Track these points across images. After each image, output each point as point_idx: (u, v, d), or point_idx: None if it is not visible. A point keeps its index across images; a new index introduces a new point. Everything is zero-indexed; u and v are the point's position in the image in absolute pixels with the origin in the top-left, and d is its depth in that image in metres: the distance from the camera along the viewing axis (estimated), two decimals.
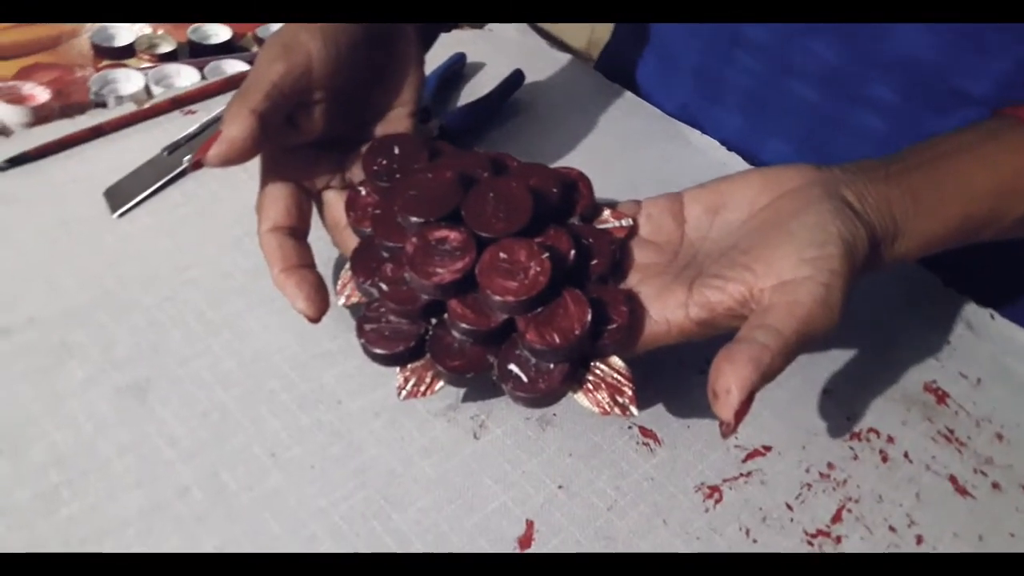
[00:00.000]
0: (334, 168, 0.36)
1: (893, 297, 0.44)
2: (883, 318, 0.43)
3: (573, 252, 0.31)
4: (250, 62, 0.56)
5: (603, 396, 0.30)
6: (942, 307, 0.44)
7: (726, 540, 0.33)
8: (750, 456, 0.36)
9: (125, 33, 0.57)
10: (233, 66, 0.55)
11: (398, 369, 0.31)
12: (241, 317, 0.38)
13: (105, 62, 0.56)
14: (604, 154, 0.51)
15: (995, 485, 0.36)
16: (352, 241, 0.34)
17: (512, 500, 0.33)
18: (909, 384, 0.40)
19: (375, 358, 0.31)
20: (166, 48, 0.57)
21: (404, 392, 0.31)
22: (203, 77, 0.54)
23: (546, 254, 0.29)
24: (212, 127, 0.47)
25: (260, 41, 0.61)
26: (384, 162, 0.35)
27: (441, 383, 0.31)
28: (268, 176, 0.34)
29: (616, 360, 0.30)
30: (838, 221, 0.30)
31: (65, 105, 0.49)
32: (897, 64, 0.43)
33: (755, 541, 0.33)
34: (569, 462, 0.34)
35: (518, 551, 0.31)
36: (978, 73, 0.41)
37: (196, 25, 0.59)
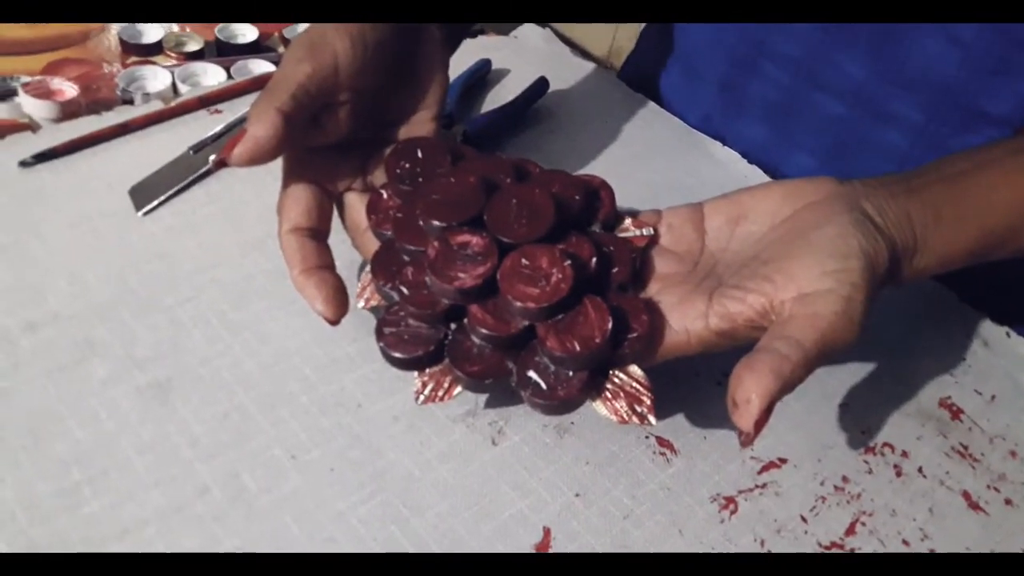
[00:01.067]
0: (355, 170, 0.35)
1: (910, 312, 0.43)
2: (900, 333, 0.42)
3: (595, 260, 0.30)
4: (276, 62, 0.55)
5: (621, 405, 0.29)
6: (958, 323, 0.43)
7: (741, 551, 0.31)
8: (765, 468, 0.35)
9: (153, 30, 0.56)
10: (260, 66, 0.53)
11: (416, 374, 0.30)
12: (262, 319, 0.37)
13: (133, 59, 0.55)
14: (625, 163, 0.49)
15: (1008, 501, 0.35)
16: (372, 244, 0.33)
17: (529, 507, 0.32)
18: (924, 399, 0.39)
19: (394, 362, 0.30)
20: (193, 46, 0.56)
21: (422, 397, 0.30)
22: (230, 76, 0.52)
23: (568, 261, 0.28)
24: (238, 127, 0.46)
25: (287, 41, 0.60)
26: (407, 165, 0.33)
27: (459, 388, 0.30)
28: (290, 177, 0.33)
29: (635, 369, 0.29)
30: (859, 234, 0.29)
31: (92, 101, 0.48)
32: (921, 83, 0.42)
33: (769, 552, 0.32)
34: (586, 470, 0.33)
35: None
36: (1000, 93, 0.40)
37: (223, 24, 0.58)
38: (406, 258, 0.31)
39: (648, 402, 0.28)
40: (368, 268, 0.32)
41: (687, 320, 0.29)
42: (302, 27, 0.61)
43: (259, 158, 0.30)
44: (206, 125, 0.46)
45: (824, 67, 0.45)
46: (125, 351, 0.34)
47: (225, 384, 0.34)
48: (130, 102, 0.48)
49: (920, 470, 0.36)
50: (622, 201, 0.34)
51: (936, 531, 0.33)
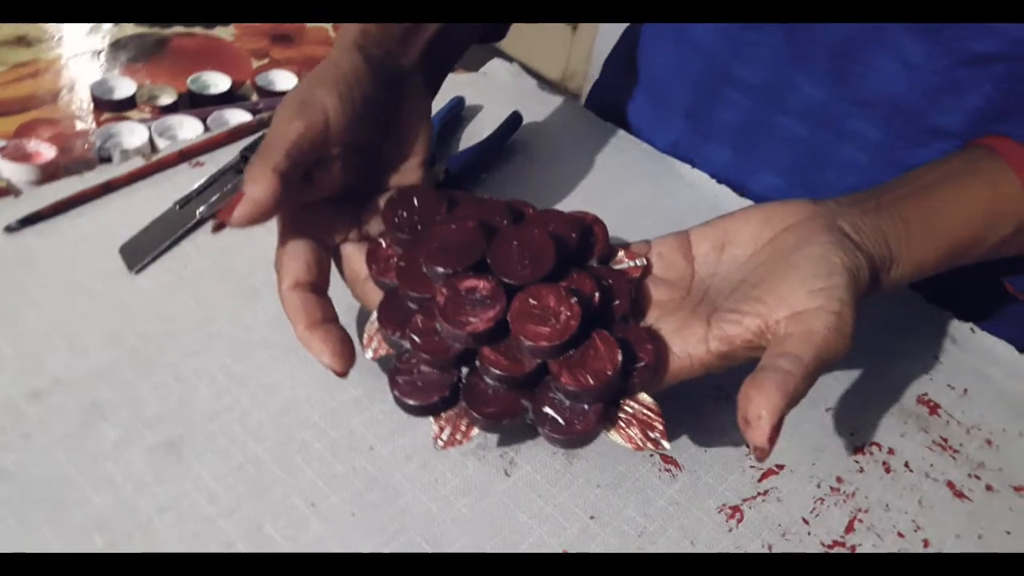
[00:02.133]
0: (350, 221, 0.35)
1: (883, 316, 0.45)
2: (875, 337, 0.43)
3: (597, 294, 0.31)
4: (251, 111, 0.55)
5: (635, 432, 0.30)
6: (928, 323, 0.45)
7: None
8: (765, 475, 0.36)
9: (124, 85, 0.56)
10: (235, 115, 0.53)
11: (432, 419, 0.31)
12: (266, 369, 0.37)
13: (106, 115, 0.54)
14: (601, 191, 0.51)
15: (989, 487, 0.37)
16: (373, 293, 0.34)
17: (548, 533, 0.32)
18: (904, 398, 0.41)
19: (409, 409, 0.31)
20: (167, 99, 0.56)
21: (441, 441, 0.30)
22: (206, 127, 0.52)
23: (574, 298, 0.29)
24: (220, 179, 0.46)
25: (260, 90, 0.60)
26: (404, 214, 0.34)
27: (476, 430, 0.30)
28: (286, 233, 0.33)
29: (645, 396, 0.30)
30: (840, 252, 0.30)
31: (70, 161, 0.47)
32: (877, 102, 0.44)
33: (777, 554, 0.33)
34: (598, 493, 0.34)
35: None
36: (950, 110, 0.42)
37: (195, 75, 0.58)
38: (413, 306, 0.31)
39: (660, 427, 0.29)
40: (373, 318, 0.33)
41: (688, 345, 0.30)
42: (274, 74, 0.61)
43: (259, 218, 0.30)
44: (189, 179, 0.47)
45: (785, 91, 0.48)
46: (133, 412, 0.34)
47: (237, 437, 0.34)
48: (108, 159, 0.48)
49: (907, 465, 0.38)
50: None
51: (927, 522, 0.35)
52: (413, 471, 0.34)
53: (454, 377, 0.30)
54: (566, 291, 0.29)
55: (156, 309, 0.39)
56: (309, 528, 0.31)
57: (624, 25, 0.61)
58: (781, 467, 0.36)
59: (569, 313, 0.29)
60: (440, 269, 0.31)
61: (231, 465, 0.33)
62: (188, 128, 0.52)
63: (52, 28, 0.62)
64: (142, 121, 0.52)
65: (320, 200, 0.34)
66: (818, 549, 0.33)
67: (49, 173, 0.46)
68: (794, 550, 0.33)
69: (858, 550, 0.34)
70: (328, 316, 0.32)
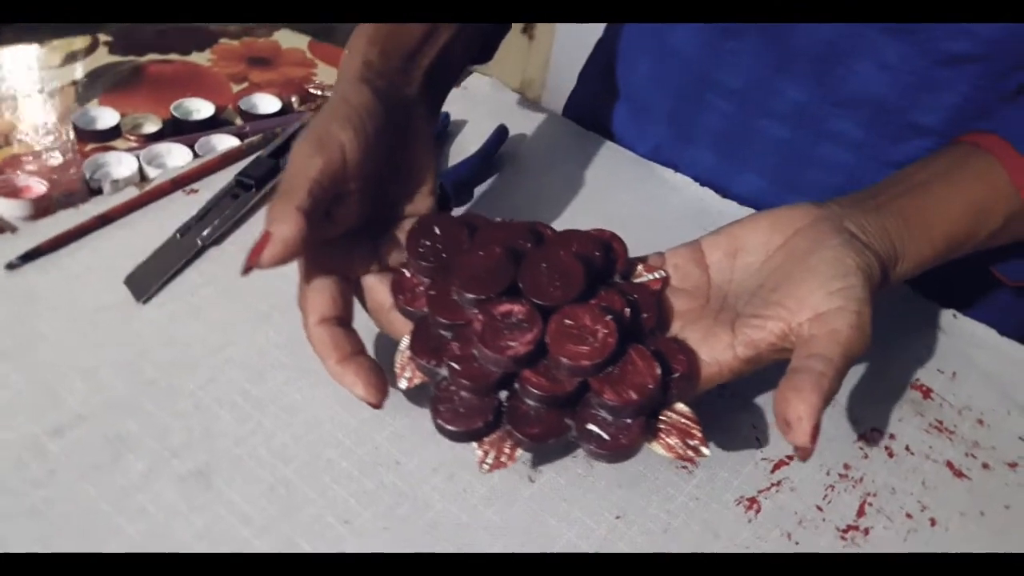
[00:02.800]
0: (369, 253, 0.36)
1: (875, 307, 0.47)
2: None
3: (628, 310, 0.32)
4: (237, 135, 0.56)
5: (675, 441, 0.31)
6: (915, 312, 0.48)
7: (771, 545, 0.34)
8: (777, 467, 0.38)
9: (107, 115, 0.56)
10: (222, 141, 0.54)
11: (475, 444, 0.31)
12: (285, 391, 0.38)
13: (91, 146, 0.54)
14: (591, 199, 0.53)
15: (985, 465, 0.40)
16: (398, 322, 0.34)
17: (577, 535, 0.34)
18: (898, 384, 0.43)
19: (454, 436, 0.31)
20: (151, 127, 0.56)
21: (487, 465, 0.31)
22: (195, 154, 0.53)
23: (609, 316, 0.30)
24: (217, 206, 0.47)
25: (243, 113, 0.61)
26: (428, 243, 0.35)
27: (520, 451, 0.31)
28: (309, 270, 0.34)
29: (681, 406, 0.31)
30: (852, 253, 0.32)
31: (61, 194, 0.47)
32: (859, 102, 0.47)
33: (797, 543, 0.35)
34: (621, 493, 0.36)
35: None
36: (930, 107, 0.45)
37: (178, 102, 0.58)
38: (446, 333, 0.32)
39: (699, 435, 0.31)
40: (403, 347, 0.34)
41: (716, 352, 0.32)
42: (257, 98, 0.62)
43: (287, 258, 0.31)
44: (185, 206, 0.47)
45: (767, 95, 0.50)
46: (158, 442, 0.34)
47: (264, 460, 0.34)
48: (98, 191, 0.48)
49: (907, 448, 0.40)
50: None
51: (931, 501, 0.37)
52: (440, 482, 0.35)
53: (495, 401, 0.31)
54: (600, 309, 0.30)
55: (168, 338, 0.39)
56: (344, 545, 0.32)
57: (585, 33, 0.62)
58: (791, 458, 0.38)
59: (606, 331, 0.30)
60: (472, 296, 0.31)
61: (262, 488, 0.33)
62: (176, 155, 0.53)
63: (25, 61, 0.62)
64: (129, 150, 0.53)
65: (338, 234, 0.35)
66: (834, 534, 0.35)
67: (43, 208, 0.46)
68: (811, 537, 0.35)
69: (871, 533, 0.36)
70: (357, 349, 0.33)
